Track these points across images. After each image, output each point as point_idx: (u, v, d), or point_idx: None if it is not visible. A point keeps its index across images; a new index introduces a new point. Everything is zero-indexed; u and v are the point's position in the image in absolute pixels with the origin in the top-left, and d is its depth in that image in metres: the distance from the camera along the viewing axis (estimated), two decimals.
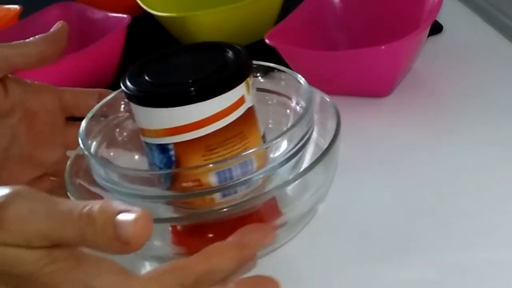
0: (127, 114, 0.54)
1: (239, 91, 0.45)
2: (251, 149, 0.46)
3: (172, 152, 0.45)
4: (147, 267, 0.50)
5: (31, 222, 0.34)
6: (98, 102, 0.53)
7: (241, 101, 0.45)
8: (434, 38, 0.74)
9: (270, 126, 0.53)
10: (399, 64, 0.63)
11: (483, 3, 0.78)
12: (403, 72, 0.66)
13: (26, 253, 0.35)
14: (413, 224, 0.51)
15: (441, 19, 0.76)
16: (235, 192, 0.46)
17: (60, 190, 0.52)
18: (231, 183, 0.45)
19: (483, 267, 0.46)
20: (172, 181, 0.45)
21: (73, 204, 0.35)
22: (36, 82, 0.55)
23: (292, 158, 0.46)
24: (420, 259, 0.48)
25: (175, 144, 0.45)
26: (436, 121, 0.62)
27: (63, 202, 0.35)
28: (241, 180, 0.45)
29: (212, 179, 0.44)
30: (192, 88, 0.44)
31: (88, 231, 0.34)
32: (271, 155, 0.48)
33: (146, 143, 0.47)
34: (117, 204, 0.35)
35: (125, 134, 0.54)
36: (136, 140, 0.50)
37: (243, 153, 0.45)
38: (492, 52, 0.71)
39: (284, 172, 0.47)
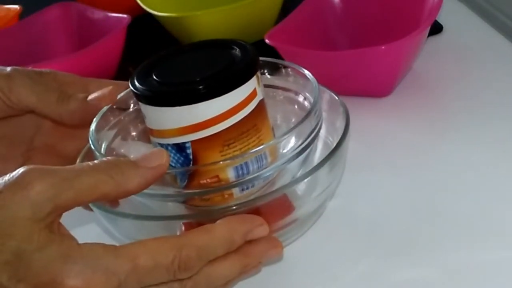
0: (118, 127, 0.53)
1: (252, 84, 0.46)
2: (265, 141, 0.47)
3: (189, 151, 0.45)
4: None
5: (55, 174, 0.37)
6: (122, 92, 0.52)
7: (253, 94, 0.46)
8: (434, 38, 0.74)
9: (278, 122, 0.54)
10: (399, 64, 0.63)
11: (483, 3, 0.78)
12: (403, 72, 0.66)
13: (38, 232, 0.36)
14: (415, 223, 0.51)
15: (441, 19, 0.76)
16: (253, 186, 0.46)
17: None
18: (248, 177, 0.45)
19: (488, 267, 0.46)
20: (190, 179, 0.45)
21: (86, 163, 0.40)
22: (64, 73, 0.54)
23: (304, 151, 0.47)
24: (424, 258, 0.48)
25: (193, 142, 0.45)
26: (436, 121, 0.62)
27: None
28: (259, 173, 0.45)
29: (230, 174, 0.45)
30: (210, 84, 0.44)
31: (116, 169, 0.39)
32: (281, 151, 0.48)
33: (160, 144, 0.46)
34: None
35: (138, 129, 0.54)
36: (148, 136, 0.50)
37: (262, 146, 0.46)
38: (492, 52, 0.71)
39: (294, 168, 0.48)
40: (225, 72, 0.45)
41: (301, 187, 0.48)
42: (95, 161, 0.40)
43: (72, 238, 0.39)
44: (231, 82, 0.44)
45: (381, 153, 0.59)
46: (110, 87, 0.51)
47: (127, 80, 0.47)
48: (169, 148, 0.46)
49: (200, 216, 0.47)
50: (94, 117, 0.51)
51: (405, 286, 0.46)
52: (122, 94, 0.52)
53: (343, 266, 0.48)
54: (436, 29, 0.75)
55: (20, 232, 0.36)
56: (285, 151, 0.48)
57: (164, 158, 0.41)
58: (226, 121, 0.45)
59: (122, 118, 0.53)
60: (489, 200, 0.52)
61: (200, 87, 0.44)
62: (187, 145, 0.45)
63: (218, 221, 0.41)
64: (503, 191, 0.52)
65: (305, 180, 0.46)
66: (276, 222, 0.47)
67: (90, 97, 0.50)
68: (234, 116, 0.45)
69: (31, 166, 0.38)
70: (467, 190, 0.53)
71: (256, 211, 0.45)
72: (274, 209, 0.47)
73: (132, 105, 0.54)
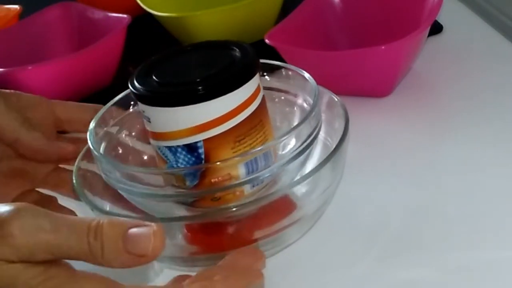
0: (117, 127, 0.53)
1: (257, 79, 0.46)
2: (269, 137, 0.47)
3: (201, 150, 0.45)
4: (155, 267, 0.51)
5: (37, 234, 0.35)
6: (93, 117, 0.52)
7: (258, 89, 0.46)
8: (434, 38, 0.74)
9: (277, 124, 0.54)
10: (399, 64, 0.63)
11: (483, 3, 0.78)
12: (403, 72, 0.66)
13: (24, 270, 0.35)
14: (415, 223, 0.51)
15: (441, 19, 0.76)
16: (262, 182, 0.46)
17: (48, 204, 0.53)
18: (260, 172, 0.45)
19: (488, 267, 0.46)
20: (201, 178, 0.45)
21: (80, 218, 0.36)
22: (29, 95, 0.54)
23: (306, 151, 0.47)
24: (425, 258, 0.48)
25: (205, 140, 0.45)
26: (436, 121, 0.62)
27: (69, 217, 0.36)
28: (271, 168, 0.46)
29: (241, 171, 0.45)
30: (225, 79, 0.44)
31: (96, 244, 0.35)
32: (279, 152, 0.49)
33: (168, 147, 0.46)
34: (126, 220, 0.36)
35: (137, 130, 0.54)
36: (144, 139, 0.50)
37: (279, 140, 0.46)
38: (492, 52, 0.71)
39: (293, 169, 0.48)
40: (236, 66, 0.45)
41: (302, 188, 0.48)
42: (79, 226, 0.36)
43: (69, 266, 0.37)
44: (243, 76, 0.45)
45: (381, 153, 0.59)
46: (72, 146, 0.52)
47: (126, 82, 0.47)
48: (179, 149, 0.45)
49: (200, 217, 0.47)
50: (54, 156, 0.52)
51: (406, 286, 0.46)
52: (120, 96, 0.52)
53: (343, 266, 0.48)
54: (436, 29, 0.75)
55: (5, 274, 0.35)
56: (284, 152, 0.48)
57: (150, 245, 0.36)
58: (237, 117, 0.45)
59: (123, 117, 0.53)
60: (490, 199, 0.52)
61: (214, 83, 0.44)
62: (199, 144, 0.45)
63: (217, 278, 0.38)
64: (503, 191, 0.52)
65: (307, 181, 0.46)
66: (280, 220, 0.47)
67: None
68: (245, 111, 0.45)
69: (18, 212, 0.35)
70: (467, 190, 0.53)
71: (260, 211, 0.46)
72: (276, 208, 0.47)
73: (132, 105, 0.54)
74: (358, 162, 0.57)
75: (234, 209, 0.44)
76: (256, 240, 0.47)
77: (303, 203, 0.49)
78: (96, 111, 0.52)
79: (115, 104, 0.53)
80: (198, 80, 0.44)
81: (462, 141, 0.59)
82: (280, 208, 0.48)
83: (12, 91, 0.53)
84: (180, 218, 0.47)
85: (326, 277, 0.48)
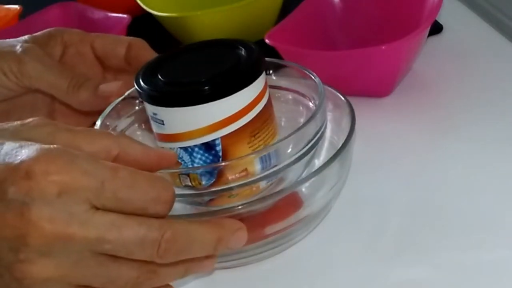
0: (129, 121, 0.54)
1: (264, 74, 0.47)
2: (277, 131, 0.48)
3: (218, 148, 0.45)
4: None
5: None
6: (126, 51, 0.55)
7: (267, 83, 0.47)
8: (434, 38, 0.74)
9: (282, 123, 0.54)
10: (399, 64, 0.63)
11: (483, 3, 0.78)
12: (403, 72, 0.66)
13: None
14: (416, 223, 0.51)
15: (441, 19, 0.76)
16: (276, 177, 0.47)
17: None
18: (277, 168, 0.46)
19: (489, 267, 0.46)
20: (218, 176, 0.45)
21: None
22: (72, 31, 0.57)
23: (313, 149, 0.47)
24: (428, 258, 0.48)
25: (223, 137, 0.45)
26: (436, 121, 0.62)
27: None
28: (286, 163, 0.46)
29: (257, 167, 0.45)
30: (244, 73, 0.45)
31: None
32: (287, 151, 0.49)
33: (184, 147, 0.46)
34: None
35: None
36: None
37: (286, 136, 0.46)
38: (492, 52, 0.71)
39: (299, 167, 0.48)
40: (250, 62, 0.45)
41: (309, 186, 0.48)
42: None
43: None
44: (258, 70, 0.45)
45: (381, 153, 0.59)
46: (120, 83, 0.52)
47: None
48: (196, 149, 0.45)
49: (209, 215, 0.47)
50: (102, 107, 0.52)
51: (408, 285, 0.46)
52: (129, 91, 0.52)
53: (345, 266, 0.48)
54: (436, 29, 0.75)
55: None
56: (289, 151, 0.48)
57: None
58: (252, 111, 0.45)
59: (137, 108, 0.54)
60: (490, 199, 0.52)
61: (235, 77, 0.44)
62: (217, 142, 0.45)
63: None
64: (504, 190, 0.52)
65: (313, 178, 0.46)
66: (287, 218, 0.47)
67: (101, 88, 0.52)
68: (258, 105, 0.46)
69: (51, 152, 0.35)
70: (468, 189, 0.53)
71: (268, 208, 0.46)
72: (284, 205, 0.47)
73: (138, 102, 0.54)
74: (357, 161, 0.57)
75: (240, 207, 0.44)
76: (263, 237, 0.47)
77: (310, 201, 0.49)
78: (131, 44, 0.56)
79: (125, 98, 0.53)
80: (215, 76, 0.44)
81: (462, 140, 0.59)
82: (288, 205, 0.48)
83: (54, 30, 0.57)
84: (190, 216, 0.47)
85: (333, 274, 0.48)
